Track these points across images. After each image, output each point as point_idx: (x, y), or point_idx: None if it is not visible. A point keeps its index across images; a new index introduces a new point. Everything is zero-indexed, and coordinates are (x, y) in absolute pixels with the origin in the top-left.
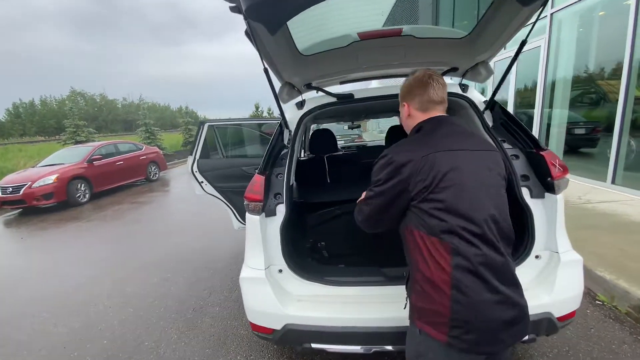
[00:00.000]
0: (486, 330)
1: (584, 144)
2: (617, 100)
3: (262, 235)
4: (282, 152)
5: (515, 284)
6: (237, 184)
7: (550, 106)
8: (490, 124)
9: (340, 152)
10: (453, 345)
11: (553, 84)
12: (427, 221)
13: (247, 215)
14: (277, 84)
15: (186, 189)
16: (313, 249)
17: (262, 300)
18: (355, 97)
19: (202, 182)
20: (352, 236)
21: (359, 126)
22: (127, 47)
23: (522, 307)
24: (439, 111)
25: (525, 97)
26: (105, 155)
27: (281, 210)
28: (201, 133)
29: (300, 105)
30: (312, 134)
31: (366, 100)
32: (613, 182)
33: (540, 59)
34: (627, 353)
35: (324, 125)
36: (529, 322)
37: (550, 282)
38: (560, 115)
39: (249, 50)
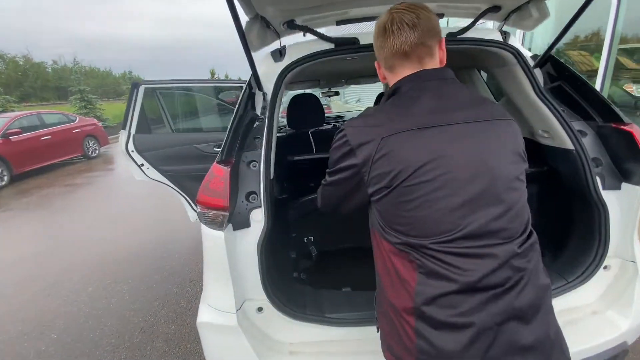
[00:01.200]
0: None
1: None
2: (587, 70)
3: (230, 260)
4: (254, 127)
5: (529, 316)
6: (191, 167)
7: None
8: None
9: (330, 126)
10: None
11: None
12: (388, 227)
13: (204, 229)
14: (244, 20)
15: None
16: (298, 247)
17: (234, 358)
18: (361, 43)
19: (142, 164)
20: (348, 228)
21: (337, 93)
22: None
23: (539, 349)
24: (413, 65)
25: None
26: (26, 128)
27: (258, 217)
28: (135, 99)
29: (279, 54)
30: (292, 100)
31: None
32: None
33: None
34: None
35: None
36: None
37: (626, 300)
38: None
39: (206, 10)
